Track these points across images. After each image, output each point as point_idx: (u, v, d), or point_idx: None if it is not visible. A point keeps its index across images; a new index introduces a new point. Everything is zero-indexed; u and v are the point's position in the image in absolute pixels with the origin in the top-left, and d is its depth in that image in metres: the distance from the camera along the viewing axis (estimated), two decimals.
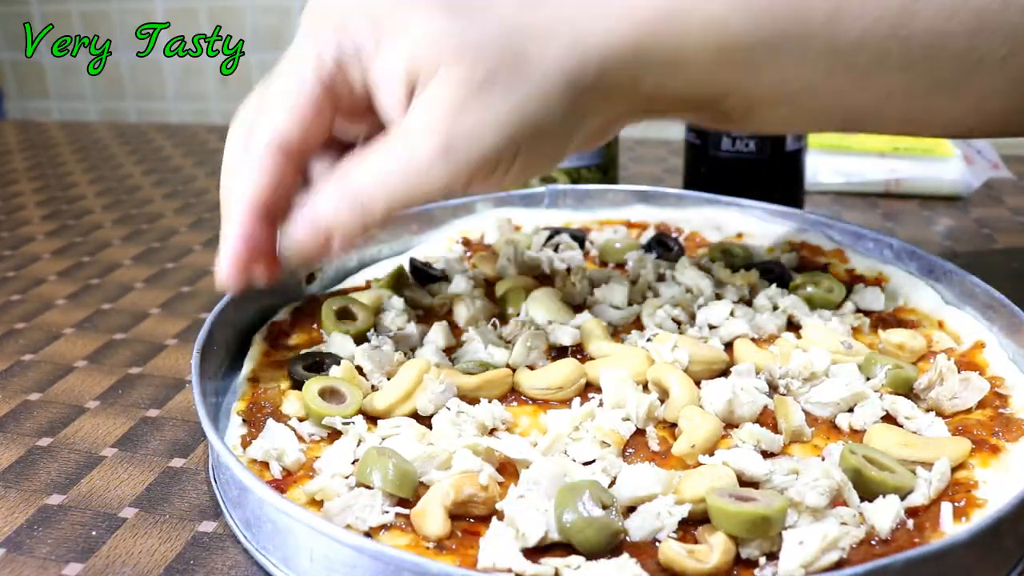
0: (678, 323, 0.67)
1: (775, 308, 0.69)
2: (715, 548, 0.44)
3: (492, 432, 0.56)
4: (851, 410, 0.57)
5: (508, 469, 0.52)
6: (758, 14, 0.53)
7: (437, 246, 0.82)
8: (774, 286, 0.71)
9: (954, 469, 0.51)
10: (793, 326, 0.68)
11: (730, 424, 0.55)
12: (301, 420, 0.56)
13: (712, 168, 0.94)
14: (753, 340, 0.64)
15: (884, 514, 0.46)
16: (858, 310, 0.69)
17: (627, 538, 0.46)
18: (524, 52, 0.51)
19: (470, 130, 0.50)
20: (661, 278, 0.75)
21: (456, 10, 0.52)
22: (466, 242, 0.84)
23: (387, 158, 0.52)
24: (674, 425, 0.56)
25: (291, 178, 0.56)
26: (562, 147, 0.56)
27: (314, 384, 0.57)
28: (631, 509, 0.48)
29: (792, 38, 0.53)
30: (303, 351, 0.63)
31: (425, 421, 0.56)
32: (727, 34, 0.53)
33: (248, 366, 0.63)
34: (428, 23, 0.51)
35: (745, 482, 0.50)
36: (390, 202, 0.52)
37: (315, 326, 0.69)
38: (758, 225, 0.83)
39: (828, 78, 0.55)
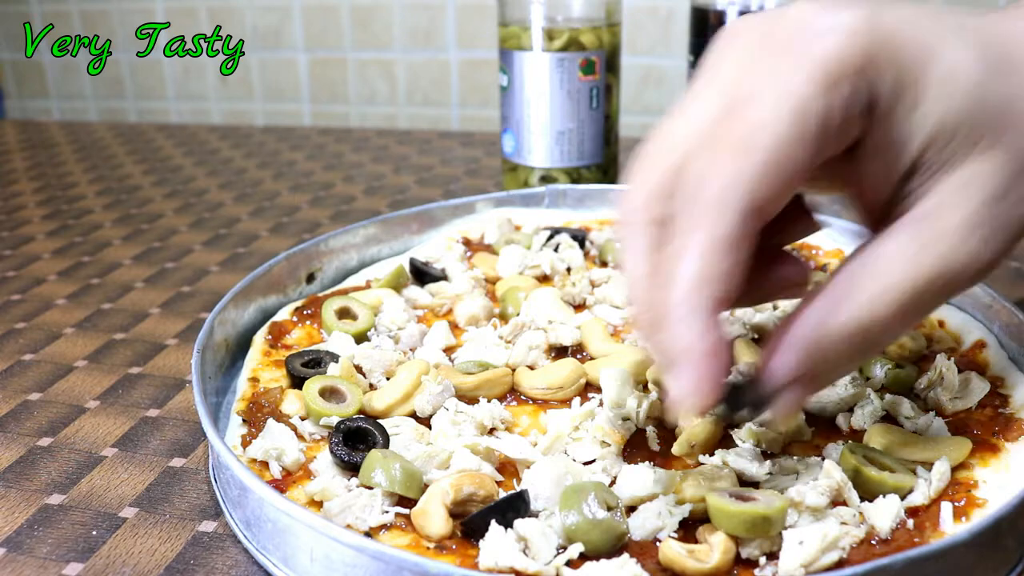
0: None
1: (775, 308, 0.69)
2: (715, 548, 0.44)
3: (491, 432, 0.56)
4: (851, 410, 0.57)
5: (508, 469, 0.52)
6: None
7: (437, 246, 0.82)
8: None
9: (954, 469, 0.51)
10: None
11: (730, 424, 0.55)
12: (303, 419, 0.56)
13: None
14: (753, 340, 0.64)
15: (884, 514, 0.46)
16: None
17: (628, 537, 0.46)
18: None
19: (1014, 210, 0.41)
20: None
21: (993, 68, 0.41)
22: (466, 242, 0.84)
23: (913, 262, 0.41)
24: (674, 425, 0.55)
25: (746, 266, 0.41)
26: None
27: (314, 384, 0.57)
28: (631, 508, 0.48)
29: None
30: (302, 350, 0.63)
31: (424, 421, 0.56)
32: None
33: (248, 366, 0.63)
34: (971, 78, 0.41)
35: (745, 482, 0.50)
36: (919, 318, 0.43)
37: (315, 326, 0.69)
38: None
39: None
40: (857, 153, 0.42)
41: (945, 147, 0.41)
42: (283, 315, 0.70)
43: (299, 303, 0.72)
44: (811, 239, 0.80)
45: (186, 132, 1.50)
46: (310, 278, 0.77)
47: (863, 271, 0.42)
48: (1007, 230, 0.41)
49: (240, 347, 0.68)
